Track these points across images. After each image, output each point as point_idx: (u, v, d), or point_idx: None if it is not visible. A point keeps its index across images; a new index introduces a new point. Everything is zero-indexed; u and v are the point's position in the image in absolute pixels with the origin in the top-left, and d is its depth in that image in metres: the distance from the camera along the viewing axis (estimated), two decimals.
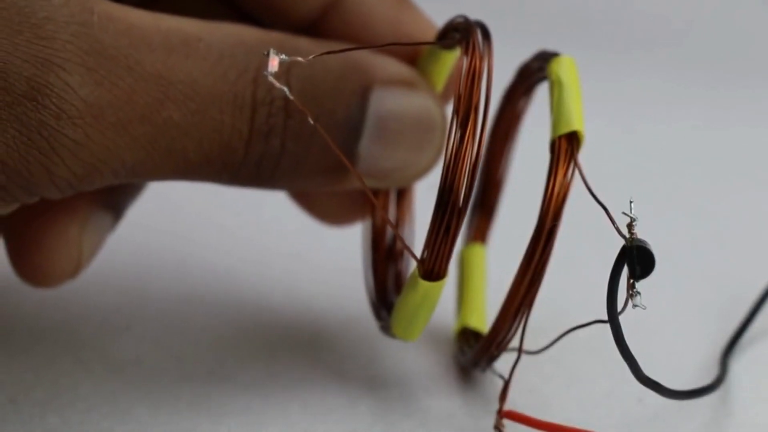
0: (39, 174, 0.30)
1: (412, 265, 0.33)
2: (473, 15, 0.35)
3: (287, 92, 0.32)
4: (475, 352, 0.35)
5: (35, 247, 0.36)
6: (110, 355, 0.38)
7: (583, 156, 0.32)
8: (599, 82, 0.49)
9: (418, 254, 0.32)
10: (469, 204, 0.31)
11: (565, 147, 0.32)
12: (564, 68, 0.33)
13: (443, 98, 0.37)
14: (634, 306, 0.30)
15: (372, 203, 0.38)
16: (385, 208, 0.38)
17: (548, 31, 0.70)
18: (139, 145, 0.31)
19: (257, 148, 0.33)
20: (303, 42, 0.34)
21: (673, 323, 0.42)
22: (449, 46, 0.35)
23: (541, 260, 0.32)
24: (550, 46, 0.36)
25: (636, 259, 0.30)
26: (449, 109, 0.33)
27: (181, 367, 0.38)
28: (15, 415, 0.35)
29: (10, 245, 0.36)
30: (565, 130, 0.32)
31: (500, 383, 0.34)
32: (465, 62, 0.32)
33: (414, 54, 0.37)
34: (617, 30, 0.73)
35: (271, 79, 0.31)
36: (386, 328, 0.36)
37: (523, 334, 0.33)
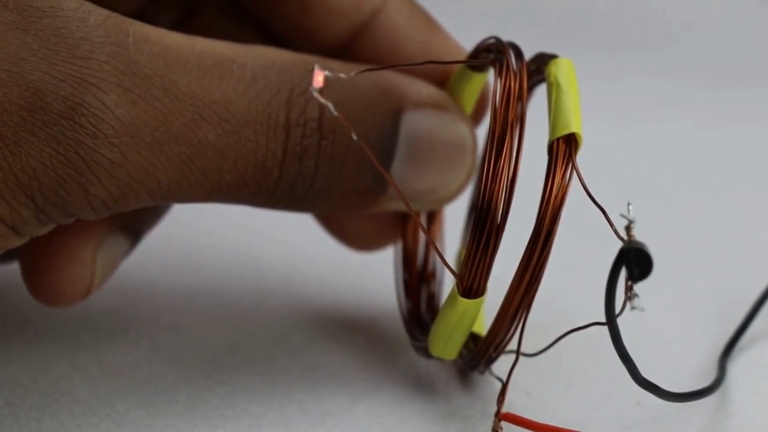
0: (75, 194, 0.31)
1: (445, 287, 0.33)
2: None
3: (332, 108, 0.32)
4: (473, 354, 0.35)
5: (48, 266, 0.36)
6: (107, 359, 0.38)
7: (581, 158, 0.32)
8: (597, 84, 0.49)
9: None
10: (506, 222, 0.32)
11: (563, 149, 0.32)
12: (562, 70, 0.33)
13: (474, 120, 0.37)
14: (633, 308, 0.30)
15: (409, 219, 0.38)
16: (417, 230, 0.38)
17: (546, 33, 0.70)
18: (174, 166, 0.32)
19: (291, 169, 0.33)
20: (335, 64, 0.35)
21: (671, 325, 0.42)
22: (482, 66, 0.35)
23: (539, 262, 0.32)
24: (548, 48, 0.36)
25: (634, 261, 0.30)
26: (479, 131, 0.33)
27: (178, 371, 0.38)
28: (12, 419, 0.35)
29: (24, 263, 0.36)
30: (563, 132, 0.32)
31: (498, 385, 0.34)
32: (499, 82, 0.32)
33: (444, 77, 0.37)
34: (616, 31, 0.73)
35: (316, 94, 0.32)
36: (421, 348, 0.36)
37: (521, 337, 0.33)
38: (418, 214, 0.38)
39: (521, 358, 0.33)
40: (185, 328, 0.40)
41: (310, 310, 0.42)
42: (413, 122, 0.35)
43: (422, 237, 0.38)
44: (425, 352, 0.35)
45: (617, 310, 0.30)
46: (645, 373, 0.32)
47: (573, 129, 0.32)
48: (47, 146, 0.30)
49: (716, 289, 0.44)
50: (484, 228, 0.31)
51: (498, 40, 0.34)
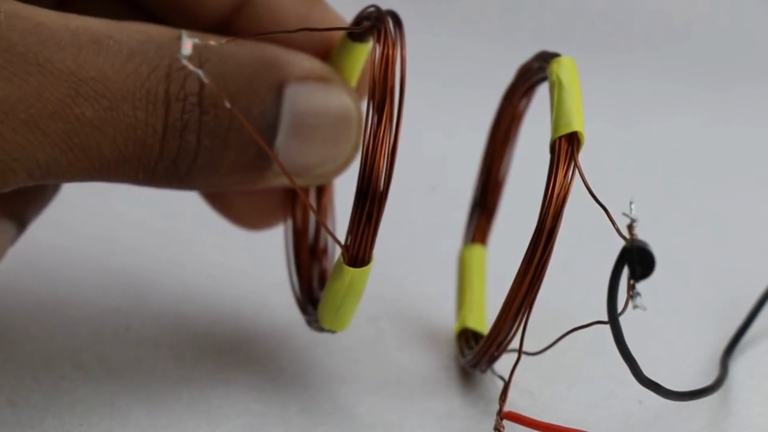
0: None
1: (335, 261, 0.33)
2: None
3: (201, 75, 0.32)
4: (475, 353, 0.35)
5: None
6: (109, 358, 0.38)
7: (583, 157, 0.32)
8: (599, 82, 0.49)
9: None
10: (389, 188, 0.31)
11: (566, 148, 0.32)
12: (564, 69, 0.33)
13: (358, 93, 0.37)
14: (635, 307, 0.30)
15: (296, 195, 0.38)
16: (306, 206, 0.38)
17: (548, 32, 0.70)
18: (52, 143, 0.31)
19: (172, 145, 0.33)
20: (212, 37, 0.34)
21: (673, 324, 0.42)
22: (361, 35, 0.35)
23: (541, 261, 0.32)
24: (550, 47, 0.36)
25: (636, 260, 0.30)
26: (365, 103, 0.33)
27: (180, 370, 0.38)
28: (14, 418, 0.35)
29: None
30: (565, 130, 0.32)
31: (500, 384, 0.34)
32: (378, 49, 0.32)
33: (326, 50, 0.37)
34: (617, 30, 0.73)
35: (185, 62, 0.31)
36: (313, 321, 0.36)
37: (523, 335, 0.33)
38: (306, 189, 0.38)
39: (523, 357, 0.33)
40: (187, 327, 0.40)
41: None
42: (296, 96, 0.34)
43: (312, 212, 0.38)
44: (317, 326, 0.35)
45: (619, 308, 0.30)
46: (647, 372, 0.32)
47: (575, 128, 0.32)
48: None
49: (718, 288, 0.44)
50: (367, 196, 0.31)
51: (377, 9, 0.34)
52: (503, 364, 0.35)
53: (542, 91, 0.35)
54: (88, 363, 0.38)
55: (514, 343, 0.33)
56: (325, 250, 0.38)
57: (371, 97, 0.32)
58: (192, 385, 0.37)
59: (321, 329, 0.35)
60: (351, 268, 0.32)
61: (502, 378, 0.35)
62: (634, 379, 0.32)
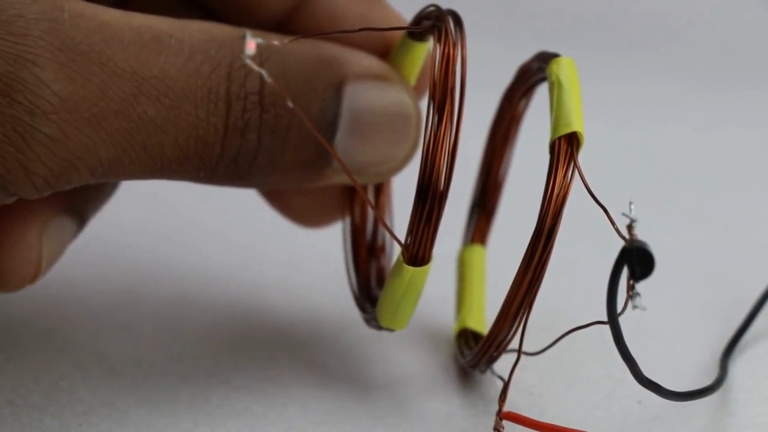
0: (16, 171, 0.30)
1: (394, 260, 0.33)
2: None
3: (265, 74, 0.32)
4: (475, 353, 0.35)
5: None
6: (108, 357, 0.38)
7: (582, 157, 0.32)
8: (599, 82, 0.49)
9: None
10: (449, 188, 0.31)
11: (565, 148, 0.32)
12: (564, 69, 0.34)
13: (417, 91, 0.37)
14: (634, 307, 0.30)
15: (356, 193, 0.38)
16: (364, 204, 0.38)
17: (548, 32, 0.70)
18: (115, 141, 0.31)
19: (233, 143, 0.33)
20: (272, 35, 0.34)
21: (673, 324, 0.42)
22: (421, 34, 0.35)
23: (540, 261, 0.32)
24: (549, 47, 0.36)
25: (636, 260, 0.30)
26: (423, 102, 0.33)
27: (180, 369, 0.38)
28: (13, 418, 0.35)
29: None
30: (564, 131, 0.32)
31: (500, 384, 0.34)
32: (438, 49, 0.32)
33: (386, 49, 0.37)
34: (617, 31, 0.73)
35: (248, 61, 0.32)
36: (371, 320, 0.36)
37: (523, 335, 0.33)
38: (365, 187, 0.38)
39: (523, 357, 0.33)
40: (186, 326, 0.40)
41: (312, 309, 0.42)
42: (356, 94, 0.35)
43: (370, 210, 0.38)
44: (376, 324, 0.35)
45: (619, 309, 0.30)
46: (647, 372, 0.32)
47: (575, 128, 0.32)
48: None
49: (718, 288, 0.44)
50: (427, 195, 0.31)
51: (437, 8, 0.34)
52: (503, 364, 0.35)
53: (542, 92, 0.35)
54: (87, 363, 0.38)
55: (514, 344, 0.33)
56: (383, 248, 0.39)
57: (432, 97, 0.32)
58: (191, 384, 0.37)
59: (379, 327, 0.35)
60: (411, 267, 0.32)
61: (501, 378, 0.35)
62: (634, 380, 0.32)
